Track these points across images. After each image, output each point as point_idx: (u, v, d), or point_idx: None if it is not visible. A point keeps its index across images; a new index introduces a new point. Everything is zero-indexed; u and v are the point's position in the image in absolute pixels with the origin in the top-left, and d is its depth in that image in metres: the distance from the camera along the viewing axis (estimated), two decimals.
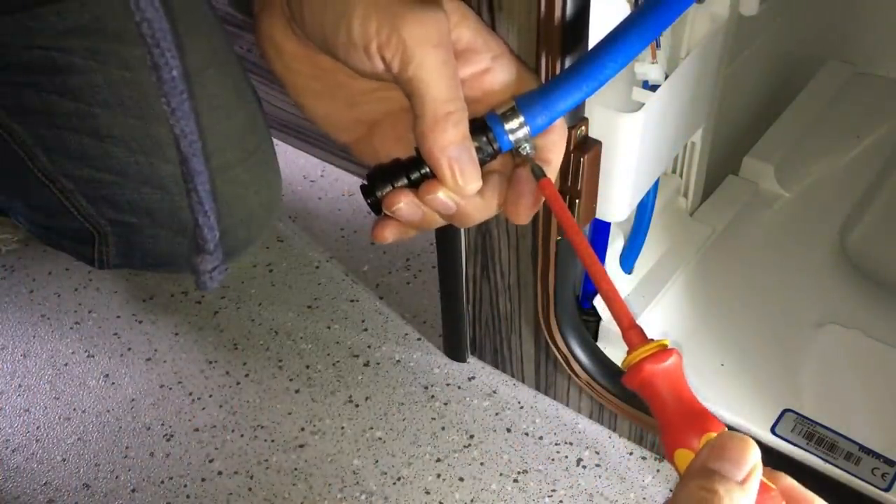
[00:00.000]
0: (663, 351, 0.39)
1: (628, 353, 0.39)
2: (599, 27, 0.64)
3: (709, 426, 0.37)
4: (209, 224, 0.70)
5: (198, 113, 0.66)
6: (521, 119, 0.45)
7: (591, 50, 0.45)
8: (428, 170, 0.45)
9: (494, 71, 0.46)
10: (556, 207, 0.44)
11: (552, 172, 0.46)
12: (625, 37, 0.45)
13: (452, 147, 0.43)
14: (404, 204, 0.45)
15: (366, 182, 0.46)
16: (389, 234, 0.47)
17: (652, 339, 0.39)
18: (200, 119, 0.67)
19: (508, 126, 0.45)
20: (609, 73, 0.45)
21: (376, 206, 0.46)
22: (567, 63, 0.64)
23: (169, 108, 0.65)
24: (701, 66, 0.79)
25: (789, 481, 0.37)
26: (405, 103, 0.46)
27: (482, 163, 0.45)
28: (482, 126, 0.45)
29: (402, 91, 0.44)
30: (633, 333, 0.40)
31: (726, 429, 0.37)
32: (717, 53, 0.82)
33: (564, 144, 0.47)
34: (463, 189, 0.44)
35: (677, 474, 0.37)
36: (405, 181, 0.46)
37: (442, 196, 0.44)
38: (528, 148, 0.45)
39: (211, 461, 0.92)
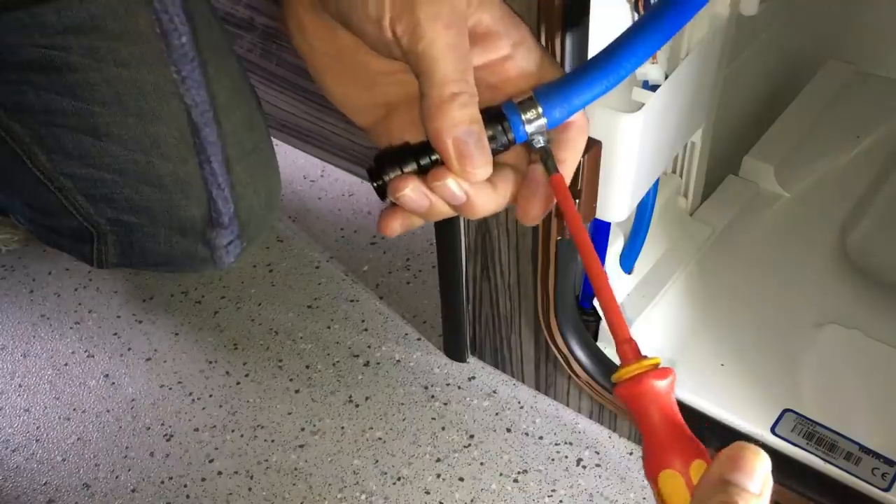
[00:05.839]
0: (655, 370, 0.38)
1: (620, 367, 0.39)
2: (600, 15, 0.65)
3: (694, 452, 0.36)
4: (223, 196, 0.69)
5: (209, 80, 0.64)
6: (539, 110, 0.43)
7: (610, 45, 0.45)
8: (439, 156, 0.43)
9: (514, 59, 0.45)
10: (566, 206, 0.43)
11: (566, 171, 0.45)
12: (644, 33, 0.44)
13: (459, 129, 0.41)
14: (410, 190, 0.42)
15: (374, 164, 0.44)
16: (399, 225, 0.44)
17: (646, 356, 0.39)
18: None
19: (525, 116, 0.43)
20: (628, 69, 0.44)
21: (382, 191, 0.44)
22: (568, 47, 0.64)
23: (179, 77, 0.64)
24: (701, 66, 0.79)
25: None
26: None
27: (495, 153, 0.43)
28: (498, 114, 0.43)
29: (412, 70, 0.43)
30: (627, 348, 0.39)
31: (708, 456, 0.36)
32: (717, 53, 0.82)
33: (583, 144, 0.46)
34: (470, 175, 0.42)
35: (654, 494, 0.37)
36: (414, 166, 0.43)
37: (451, 184, 0.42)
38: (541, 141, 0.44)
39: (211, 461, 0.92)
